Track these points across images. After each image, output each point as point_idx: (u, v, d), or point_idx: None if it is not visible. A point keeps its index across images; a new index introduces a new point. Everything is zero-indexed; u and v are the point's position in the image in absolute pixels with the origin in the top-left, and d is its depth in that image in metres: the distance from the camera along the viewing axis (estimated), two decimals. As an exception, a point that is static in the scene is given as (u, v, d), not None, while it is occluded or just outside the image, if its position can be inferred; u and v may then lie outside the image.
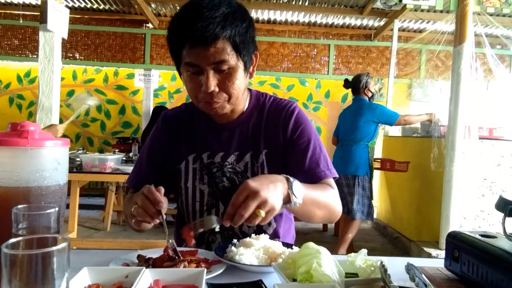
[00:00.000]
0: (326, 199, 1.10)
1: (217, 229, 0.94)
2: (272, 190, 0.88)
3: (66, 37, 3.52)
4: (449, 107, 3.43)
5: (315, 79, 6.81)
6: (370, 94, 4.01)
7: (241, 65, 1.07)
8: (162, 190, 0.96)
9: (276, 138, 1.21)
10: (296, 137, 1.20)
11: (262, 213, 0.85)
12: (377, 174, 5.65)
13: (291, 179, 0.96)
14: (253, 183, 0.87)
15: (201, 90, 1.05)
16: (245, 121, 1.22)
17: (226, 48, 1.02)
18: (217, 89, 1.05)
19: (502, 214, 0.87)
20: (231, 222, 0.87)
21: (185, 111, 1.30)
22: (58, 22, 3.36)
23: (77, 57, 6.31)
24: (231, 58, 1.03)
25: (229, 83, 1.06)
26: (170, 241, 0.95)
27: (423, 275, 0.73)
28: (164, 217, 0.94)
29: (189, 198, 1.22)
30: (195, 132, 1.25)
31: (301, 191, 0.96)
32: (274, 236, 1.22)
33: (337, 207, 1.15)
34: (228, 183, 1.20)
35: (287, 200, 0.94)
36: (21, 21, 5.99)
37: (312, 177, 1.16)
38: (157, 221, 0.95)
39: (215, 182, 1.20)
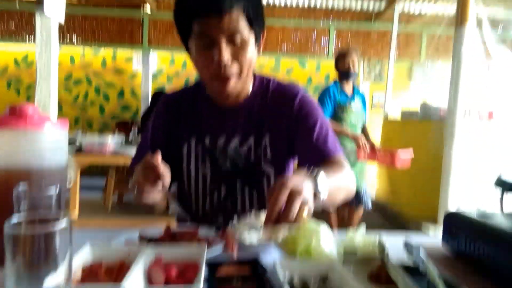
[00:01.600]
0: (344, 182, 1.06)
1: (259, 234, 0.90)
2: (307, 190, 0.81)
3: (62, 22, 3.47)
4: (449, 89, 3.42)
5: (315, 61, 6.75)
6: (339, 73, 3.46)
7: (252, 39, 1.06)
8: (159, 155, 0.94)
9: (280, 120, 1.19)
10: (302, 116, 1.18)
11: (305, 215, 0.77)
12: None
13: (317, 176, 0.87)
14: (293, 182, 0.79)
15: (213, 63, 1.03)
16: (249, 105, 1.20)
17: (240, 19, 1.01)
18: (230, 61, 1.03)
19: (500, 193, 0.88)
20: (272, 224, 0.77)
21: (187, 94, 1.28)
22: (55, 7, 3.31)
23: (75, 41, 6.24)
24: (244, 30, 1.02)
25: (242, 56, 1.04)
26: (172, 199, 0.95)
27: (421, 252, 0.74)
28: (165, 180, 0.93)
29: (192, 180, 1.22)
30: (198, 116, 1.23)
31: (326, 187, 0.88)
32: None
33: (352, 185, 1.12)
34: (231, 167, 1.19)
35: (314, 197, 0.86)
36: (17, 7, 5.90)
37: (321, 154, 1.14)
38: (160, 187, 0.93)
39: (217, 165, 1.20)
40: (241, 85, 1.12)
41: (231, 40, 1.02)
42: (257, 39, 1.09)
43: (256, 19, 1.05)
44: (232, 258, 0.82)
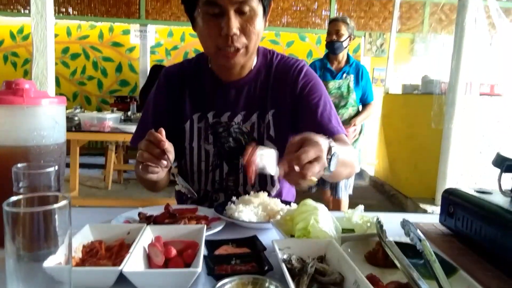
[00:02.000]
0: (349, 157, 1.04)
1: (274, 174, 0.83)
2: (322, 155, 0.77)
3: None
4: (451, 63, 3.37)
5: (316, 34, 6.64)
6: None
7: (261, 10, 1.03)
8: (163, 131, 0.94)
9: (284, 96, 1.17)
10: (306, 93, 1.16)
11: (314, 179, 0.75)
12: (375, 132, 5.66)
13: (333, 150, 0.83)
14: (317, 139, 0.77)
15: (220, 34, 1.00)
16: (253, 80, 1.18)
17: None
18: (238, 32, 1.00)
19: (499, 171, 0.88)
20: (286, 168, 0.75)
21: (188, 68, 1.24)
22: (49, -25, 3.22)
23: (71, 12, 6.11)
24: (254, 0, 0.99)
25: (251, 27, 1.02)
26: (180, 179, 0.96)
27: (418, 230, 0.75)
28: (170, 157, 0.93)
29: (194, 158, 1.21)
30: (200, 90, 1.20)
31: (335, 161, 0.84)
32: (277, 196, 1.22)
33: (355, 163, 1.13)
34: (234, 144, 1.18)
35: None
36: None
37: (325, 132, 1.10)
38: (164, 163, 0.92)
39: (220, 142, 1.18)
40: (247, 58, 1.09)
41: (240, 10, 0.99)
42: (265, 11, 1.06)
43: None
44: (250, 180, 0.80)
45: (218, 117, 1.18)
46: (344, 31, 3.01)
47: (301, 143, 0.77)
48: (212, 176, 1.21)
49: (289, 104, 1.17)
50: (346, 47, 3.08)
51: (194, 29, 1.10)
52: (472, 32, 3.26)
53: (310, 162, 0.74)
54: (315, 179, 0.76)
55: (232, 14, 0.98)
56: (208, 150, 1.20)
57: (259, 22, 1.04)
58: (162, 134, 0.92)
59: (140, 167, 0.93)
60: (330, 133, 1.11)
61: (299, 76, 1.17)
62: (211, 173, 1.21)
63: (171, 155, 0.94)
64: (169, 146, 0.93)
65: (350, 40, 3.09)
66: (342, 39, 3.01)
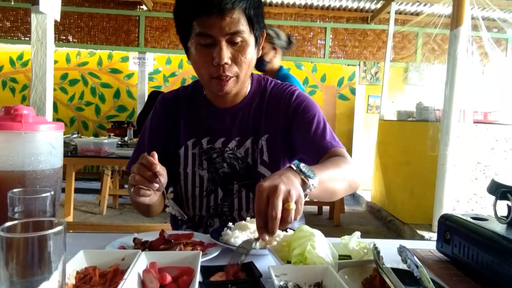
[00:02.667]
0: (341, 171, 1.01)
1: (256, 247, 0.89)
2: (286, 180, 0.78)
3: (58, 19, 3.45)
4: (445, 91, 3.43)
5: (311, 62, 6.77)
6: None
7: (252, 40, 1.06)
8: (155, 154, 0.94)
9: (277, 121, 1.19)
10: (299, 114, 1.17)
11: (292, 205, 0.74)
12: (372, 158, 5.69)
13: (295, 165, 0.84)
14: (265, 183, 0.77)
15: (213, 63, 1.03)
16: (247, 106, 1.20)
17: (241, 19, 1.01)
18: (229, 61, 1.04)
19: (494, 197, 0.88)
20: (267, 234, 0.74)
21: (184, 94, 1.26)
22: (51, 4, 3.29)
23: (71, 40, 6.22)
24: (245, 30, 1.03)
25: (242, 57, 1.05)
26: (170, 201, 0.96)
27: (415, 257, 0.74)
28: (162, 180, 0.93)
29: (188, 183, 1.21)
30: (195, 116, 1.22)
31: (311, 171, 0.85)
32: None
33: (354, 176, 1.07)
34: (228, 169, 1.19)
35: (303, 186, 0.83)
36: (12, 3, 5.87)
37: (319, 148, 1.12)
38: (156, 186, 0.93)
39: (215, 168, 1.19)
40: (239, 86, 1.12)
41: (232, 41, 1.02)
42: (257, 41, 1.09)
43: (257, 21, 1.06)
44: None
45: (212, 143, 1.19)
46: (265, 47, 2.88)
47: (264, 197, 0.75)
48: (207, 201, 1.21)
49: (283, 128, 1.18)
50: (269, 62, 2.95)
51: (188, 58, 1.13)
52: (464, 61, 3.34)
53: (270, 207, 0.73)
54: (292, 204, 0.74)
55: (224, 44, 1.01)
56: (202, 175, 1.20)
57: (251, 51, 1.07)
58: (155, 157, 0.93)
59: (132, 190, 0.93)
60: (323, 150, 1.11)
61: (291, 99, 1.20)
62: (206, 198, 1.21)
63: (163, 178, 0.95)
64: (161, 169, 0.93)
65: (276, 52, 2.95)
66: (267, 56, 2.90)
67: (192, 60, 1.10)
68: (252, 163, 1.19)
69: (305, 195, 0.83)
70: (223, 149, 1.19)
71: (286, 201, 0.74)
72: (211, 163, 1.19)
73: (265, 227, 0.74)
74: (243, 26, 1.02)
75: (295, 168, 0.83)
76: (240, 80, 1.10)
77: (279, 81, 1.27)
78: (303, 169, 0.83)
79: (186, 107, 1.24)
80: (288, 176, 0.79)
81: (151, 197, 0.95)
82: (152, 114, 1.27)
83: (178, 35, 1.11)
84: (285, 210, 0.74)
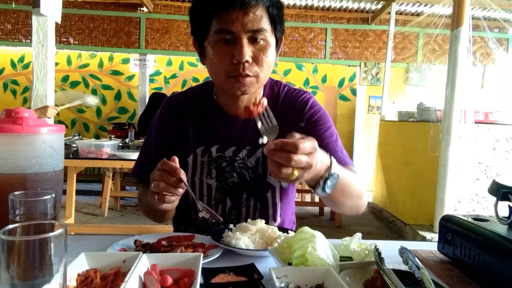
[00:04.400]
0: (356, 183, 1.00)
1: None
2: (319, 160, 0.79)
3: (59, 21, 3.46)
4: (446, 92, 3.43)
5: (312, 63, 6.77)
6: None
7: (273, 41, 1.02)
8: (176, 159, 0.91)
9: (289, 129, 1.15)
10: (312, 125, 1.14)
11: (296, 172, 0.75)
12: (373, 159, 5.69)
13: (333, 169, 0.84)
14: (305, 140, 0.77)
15: (232, 61, 0.98)
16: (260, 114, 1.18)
17: (264, 17, 0.98)
18: (250, 60, 0.98)
19: (495, 198, 0.88)
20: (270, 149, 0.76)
21: (192, 99, 1.20)
22: (51, 6, 3.30)
23: (71, 42, 6.23)
24: (268, 29, 0.99)
25: (263, 56, 1.00)
26: (201, 203, 0.95)
27: (416, 258, 0.74)
28: (187, 183, 0.91)
29: (196, 192, 1.17)
30: (205, 123, 1.17)
31: (333, 185, 0.85)
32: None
33: (364, 193, 1.07)
34: (238, 179, 1.15)
35: (315, 183, 0.85)
36: (13, 5, 5.88)
37: None
38: (181, 191, 0.90)
39: (224, 177, 1.15)
40: (256, 87, 1.06)
41: (253, 39, 0.99)
42: (278, 44, 1.05)
43: (279, 20, 1.02)
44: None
45: (222, 151, 1.15)
46: None
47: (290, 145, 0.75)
48: (215, 210, 1.17)
49: None
50: None
51: (202, 62, 1.08)
52: (465, 61, 3.34)
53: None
54: (297, 173, 0.75)
55: (245, 41, 0.97)
56: (210, 184, 1.16)
57: (272, 52, 1.03)
58: (176, 162, 0.90)
59: (156, 197, 0.90)
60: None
61: (305, 108, 1.15)
62: (214, 207, 1.17)
63: (185, 177, 0.92)
64: (183, 174, 0.90)
65: None
66: None
67: (208, 60, 1.05)
68: (262, 173, 1.16)
69: (324, 182, 0.84)
70: (234, 158, 1.15)
71: (296, 166, 0.75)
72: (221, 172, 1.15)
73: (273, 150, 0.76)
74: (266, 25, 0.98)
75: (327, 170, 0.84)
76: (260, 81, 1.04)
77: (291, 86, 1.23)
78: (329, 180, 0.84)
79: (195, 113, 1.18)
80: (323, 162, 0.81)
81: (174, 202, 0.93)
82: (159, 118, 1.22)
83: (193, 36, 1.07)
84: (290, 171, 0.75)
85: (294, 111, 1.16)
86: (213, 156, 1.16)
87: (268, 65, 1.03)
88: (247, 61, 0.98)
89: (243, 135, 1.15)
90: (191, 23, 1.06)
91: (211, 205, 1.17)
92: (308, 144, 0.75)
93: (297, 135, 0.79)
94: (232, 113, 1.15)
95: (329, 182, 0.83)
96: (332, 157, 0.86)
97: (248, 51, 0.97)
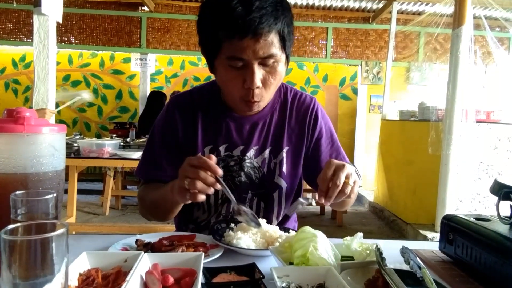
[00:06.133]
0: (356, 190, 1.04)
1: (301, 207, 1.03)
2: (349, 166, 0.92)
3: (60, 20, 3.46)
4: (447, 91, 3.42)
5: (313, 62, 6.76)
6: None
7: (283, 58, 1.02)
8: (214, 157, 0.90)
9: (301, 136, 1.19)
10: (321, 133, 1.21)
11: (351, 181, 0.90)
12: (374, 158, 5.68)
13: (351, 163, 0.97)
14: (335, 160, 0.93)
15: (243, 86, 1.00)
16: (267, 115, 1.18)
17: (274, 41, 0.96)
18: (261, 85, 1.00)
19: (497, 197, 0.88)
20: (325, 198, 0.89)
21: (200, 99, 1.19)
22: (52, 5, 3.30)
23: (73, 41, 6.23)
24: (278, 52, 0.98)
25: (272, 79, 1.01)
26: (236, 206, 0.97)
27: (417, 258, 0.74)
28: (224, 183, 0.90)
29: None
30: (213, 123, 1.17)
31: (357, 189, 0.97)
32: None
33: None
34: (245, 178, 1.16)
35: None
36: (14, 5, 5.89)
37: None
38: (212, 190, 0.88)
39: (231, 176, 1.16)
40: (262, 107, 1.12)
41: (264, 63, 0.99)
42: (288, 57, 1.06)
43: (289, 38, 1.02)
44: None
45: (230, 151, 1.16)
46: None
47: (332, 169, 0.90)
48: (220, 209, 1.19)
49: (305, 143, 1.20)
50: None
51: (211, 72, 1.08)
52: (466, 60, 3.33)
53: (337, 175, 0.88)
54: (351, 181, 0.90)
55: (256, 67, 0.97)
56: None
57: (281, 69, 1.03)
58: (213, 160, 0.89)
59: (188, 195, 0.88)
60: None
61: (317, 120, 1.22)
62: (220, 206, 1.18)
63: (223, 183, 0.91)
64: (221, 173, 0.89)
65: None
66: None
67: (219, 78, 1.06)
68: (267, 173, 1.17)
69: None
70: (242, 157, 1.16)
71: (347, 178, 0.89)
72: (228, 171, 1.16)
73: (326, 193, 0.89)
74: (276, 49, 0.98)
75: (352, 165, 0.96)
76: (265, 101, 1.08)
77: (295, 88, 1.25)
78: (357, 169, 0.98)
79: (203, 112, 1.18)
80: (350, 166, 0.93)
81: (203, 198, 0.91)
82: (164, 118, 1.20)
83: (201, 47, 1.05)
84: (345, 184, 0.88)
85: (307, 121, 1.21)
86: (221, 155, 1.16)
87: (276, 85, 1.06)
88: (257, 87, 1.00)
89: (252, 135, 1.17)
90: (199, 36, 1.04)
91: (218, 204, 1.18)
92: (342, 174, 0.89)
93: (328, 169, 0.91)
94: (241, 113, 1.16)
95: (356, 187, 0.94)
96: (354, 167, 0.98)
97: (259, 76, 0.99)
